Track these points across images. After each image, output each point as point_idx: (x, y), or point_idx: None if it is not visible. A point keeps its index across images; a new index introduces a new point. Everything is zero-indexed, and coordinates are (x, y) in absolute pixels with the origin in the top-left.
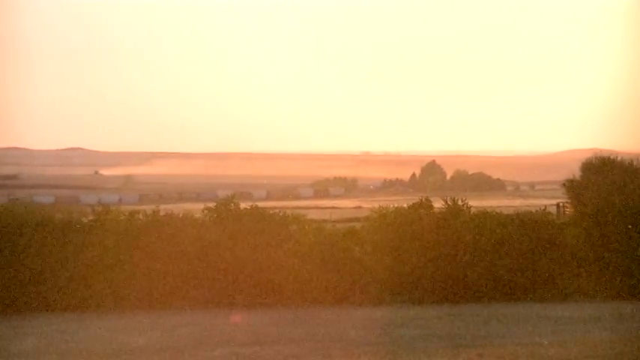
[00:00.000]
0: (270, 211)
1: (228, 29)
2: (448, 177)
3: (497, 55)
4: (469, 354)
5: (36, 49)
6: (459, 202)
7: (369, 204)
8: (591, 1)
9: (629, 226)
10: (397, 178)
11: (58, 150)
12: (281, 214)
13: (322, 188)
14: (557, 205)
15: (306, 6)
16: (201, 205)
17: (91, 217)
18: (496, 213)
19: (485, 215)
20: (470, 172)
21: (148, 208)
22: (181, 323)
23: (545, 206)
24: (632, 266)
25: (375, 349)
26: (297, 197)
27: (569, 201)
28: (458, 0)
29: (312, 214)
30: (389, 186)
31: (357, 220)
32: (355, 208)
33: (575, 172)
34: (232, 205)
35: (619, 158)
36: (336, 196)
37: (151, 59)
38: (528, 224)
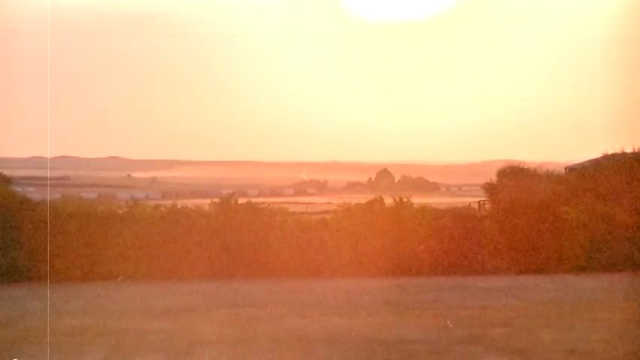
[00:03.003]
0: (261, 205)
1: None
2: (396, 180)
3: (433, 77)
4: (411, 314)
5: (82, 75)
6: (404, 200)
7: (336, 200)
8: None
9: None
10: (357, 181)
11: (99, 158)
12: (269, 208)
13: (301, 188)
14: (479, 202)
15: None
16: (208, 201)
17: (125, 209)
18: (432, 208)
19: (424, 209)
20: (412, 177)
21: (168, 202)
22: (193, 290)
23: (470, 203)
24: (535, 248)
25: (342, 311)
26: (282, 195)
27: (487, 199)
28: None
29: (293, 208)
30: (351, 187)
31: (327, 212)
32: (326, 203)
33: (493, 177)
34: (232, 200)
35: (526, 167)
36: (311, 195)
37: (175, 86)
38: (456, 216)
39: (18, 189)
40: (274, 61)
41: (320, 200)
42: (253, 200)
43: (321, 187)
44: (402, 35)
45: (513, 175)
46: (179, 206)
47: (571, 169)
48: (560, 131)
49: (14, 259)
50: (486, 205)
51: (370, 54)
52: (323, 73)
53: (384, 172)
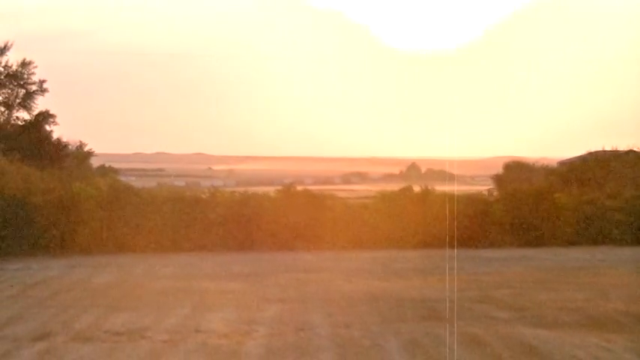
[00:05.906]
0: (315, 192)
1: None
2: (422, 172)
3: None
4: (434, 279)
5: (179, 90)
6: (429, 188)
7: (375, 188)
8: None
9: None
10: (392, 173)
11: (187, 154)
12: (321, 194)
13: (346, 178)
14: (488, 190)
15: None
16: (273, 188)
17: (207, 195)
18: (451, 194)
19: (444, 195)
20: (436, 169)
21: (242, 189)
22: (261, 259)
23: (481, 190)
24: (533, 226)
25: (379, 276)
26: (332, 183)
27: (495, 187)
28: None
29: (340, 194)
30: (387, 177)
31: (367, 198)
32: (366, 190)
33: (500, 169)
34: (292, 187)
35: (526, 162)
36: (355, 183)
37: (249, 96)
38: (470, 201)
39: (123, 178)
40: (322, 80)
41: (362, 188)
42: (309, 187)
43: (363, 177)
44: (446, 58)
45: (516, 168)
46: (250, 192)
47: (562, 164)
48: (554, 131)
49: (121, 234)
50: (494, 192)
51: (406, 74)
52: (356, 89)
53: (412, 166)
